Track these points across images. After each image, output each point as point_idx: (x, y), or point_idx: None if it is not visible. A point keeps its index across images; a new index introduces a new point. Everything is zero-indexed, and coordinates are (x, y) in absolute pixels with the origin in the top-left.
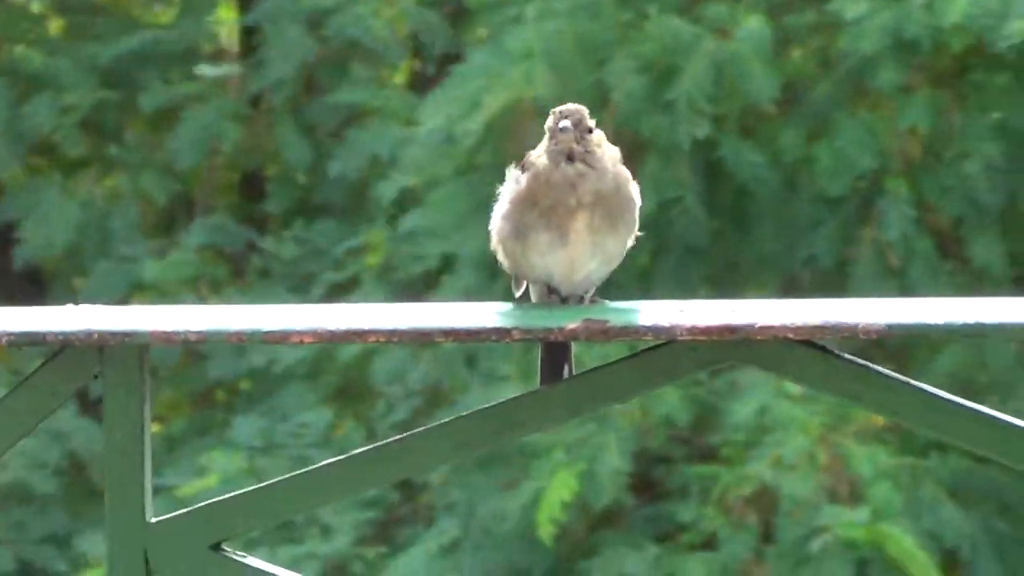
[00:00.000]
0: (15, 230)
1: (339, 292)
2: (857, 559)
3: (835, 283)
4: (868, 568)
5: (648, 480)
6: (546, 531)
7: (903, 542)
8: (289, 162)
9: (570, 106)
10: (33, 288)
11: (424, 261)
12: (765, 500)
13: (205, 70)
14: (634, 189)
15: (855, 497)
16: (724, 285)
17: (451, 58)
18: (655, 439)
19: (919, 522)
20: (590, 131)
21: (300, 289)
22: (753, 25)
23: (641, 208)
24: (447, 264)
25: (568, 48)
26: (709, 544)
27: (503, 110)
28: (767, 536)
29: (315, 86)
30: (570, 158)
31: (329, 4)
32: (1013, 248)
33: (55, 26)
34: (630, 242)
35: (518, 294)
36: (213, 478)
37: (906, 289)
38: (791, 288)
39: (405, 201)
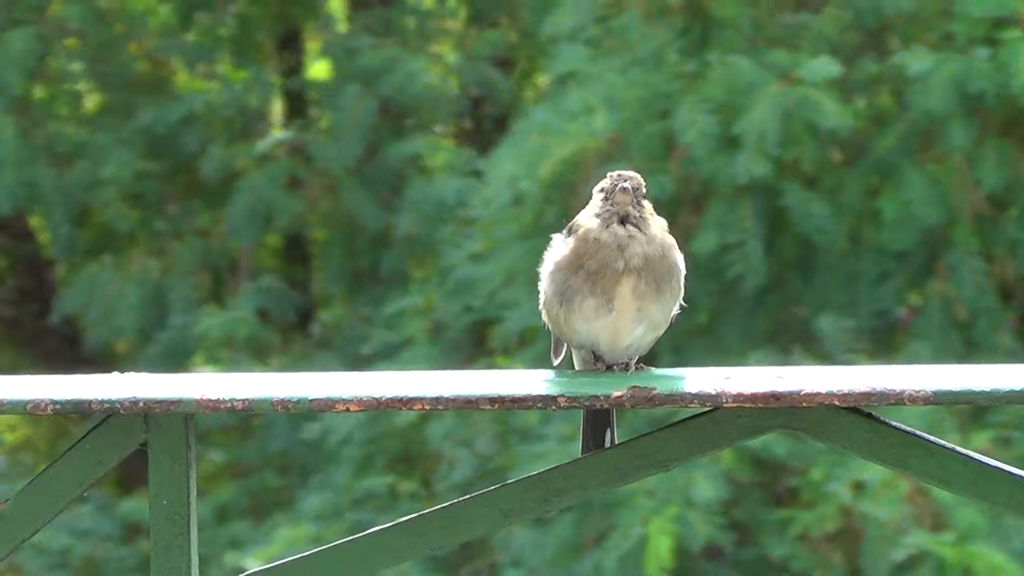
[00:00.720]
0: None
1: (390, 353)
2: None
3: (895, 338)
4: None
5: (736, 521)
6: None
7: (994, 558)
8: (362, 223)
9: (628, 171)
10: (79, 353)
11: (475, 318)
12: (849, 534)
13: (260, 146)
14: (679, 257)
15: (939, 525)
16: (784, 335)
17: (507, 112)
18: (742, 472)
19: (1008, 544)
20: (645, 197)
21: (350, 354)
22: (820, 63)
23: (702, 252)
24: (523, 333)
25: (631, 99)
26: None
27: (566, 164)
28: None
29: (372, 147)
30: (623, 220)
31: (381, 61)
32: None
33: (93, 101)
34: (675, 310)
35: (556, 360)
36: (276, 547)
37: (971, 343)
38: (853, 341)
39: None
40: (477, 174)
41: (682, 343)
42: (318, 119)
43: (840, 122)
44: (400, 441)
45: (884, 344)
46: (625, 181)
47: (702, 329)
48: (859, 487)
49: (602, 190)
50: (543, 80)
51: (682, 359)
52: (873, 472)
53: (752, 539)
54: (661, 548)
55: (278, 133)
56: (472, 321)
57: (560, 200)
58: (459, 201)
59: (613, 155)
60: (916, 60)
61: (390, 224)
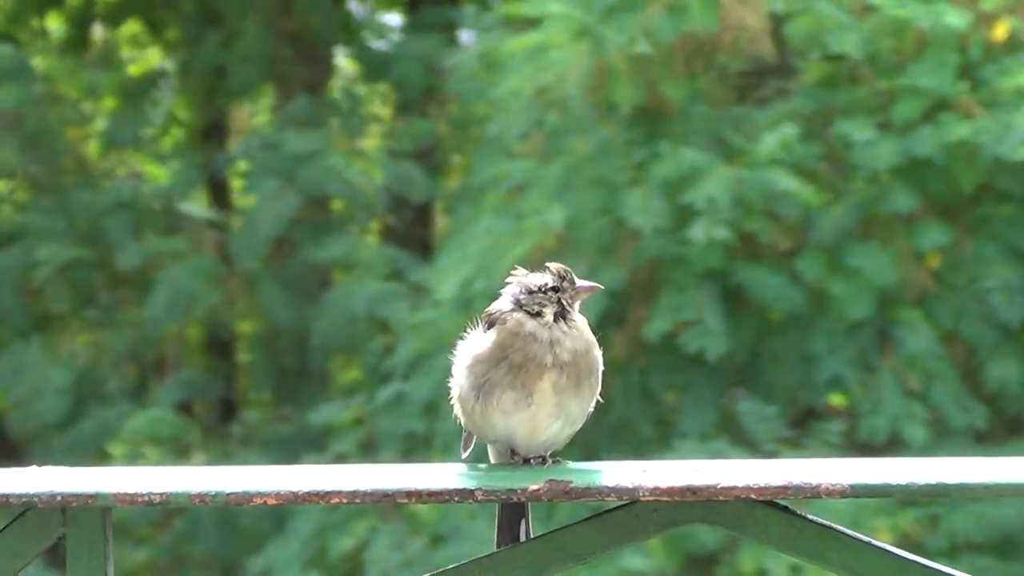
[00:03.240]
0: None
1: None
2: None
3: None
4: None
5: None
6: None
7: None
8: (275, 324)
9: (559, 264)
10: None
11: (407, 433)
12: None
13: (192, 209)
14: (599, 355)
15: None
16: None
17: (427, 210)
18: (672, 565)
19: None
20: (576, 292)
21: (274, 455)
22: (776, 134)
23: (656, 334)
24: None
25: (581, 193)
26: None
27: (522, 261)
28: None
29: (289, 243)
30: (562, 316)
31: (301, 152)
32: None
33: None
34: (591, 406)
35: (465, 454)
36: None
37: (932, 409)
38: (808, 415)
39: (390, 371)
40: (398, 276)
41: (630, 435)
42: (239, 209)
43: (798, 192)
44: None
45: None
46: (562, 278)
47: (653, 422)
48: (796, 570)
49: (550, 287)
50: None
51: (631, 452)
52: None
53: None
54: None
55: (200, 210)
56: (407, 439)
57: None
58: (378, 308)
59: (563, 250)
60: (860, 131)
61: (308, 326)
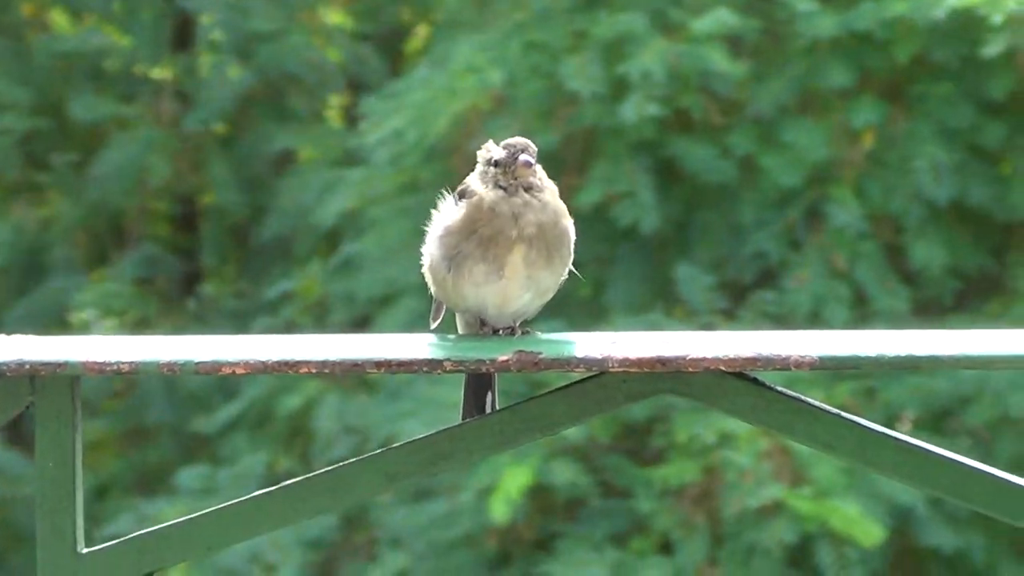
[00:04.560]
0: None
1: (281, 330)
2: (802, 532)
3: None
4: (814, 541)
5: (601, 479)
6: (500, 513)
7: (849, 512)
8: (223, 203)
9: (520, 139)
10: None
11: (360, 298)
12: (711, 491)
13: (151, 71)
14: (570, 224)
15: (797, 480)
16: (667, 276)
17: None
18: (604, 435)
19: (866, 499)
20: (537, 162)
21: (239, 327)
22: (713, 16)
23: (587, 204)
24: (389, 296)
25: (520, 55)
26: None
27: (456, 120)
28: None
29: (247, 120)
30: (524, 188)
31: (263, 30)
32: (954, 251)
33: None
34: (563, 276)
35: (434, 324)
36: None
37: (856, 292)
38: (736, 286)
39: (342, 234)
40: (350, 157)
41: (565, 306)
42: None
43: (728, 71)
44: (284, 426)
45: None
46: (523, 151)
47: (588, 292)
48: (722, 438)
49: (494, 161)
50: (424, 35)
51: (565, 325)
52: (736, 425)
53: (616, 494)
54: (509, 489)
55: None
56: (359, 306)
57: (441, 159)
58: (327, 194)
59: (500, 112)
60: (803, 3)
61: (256, 204)
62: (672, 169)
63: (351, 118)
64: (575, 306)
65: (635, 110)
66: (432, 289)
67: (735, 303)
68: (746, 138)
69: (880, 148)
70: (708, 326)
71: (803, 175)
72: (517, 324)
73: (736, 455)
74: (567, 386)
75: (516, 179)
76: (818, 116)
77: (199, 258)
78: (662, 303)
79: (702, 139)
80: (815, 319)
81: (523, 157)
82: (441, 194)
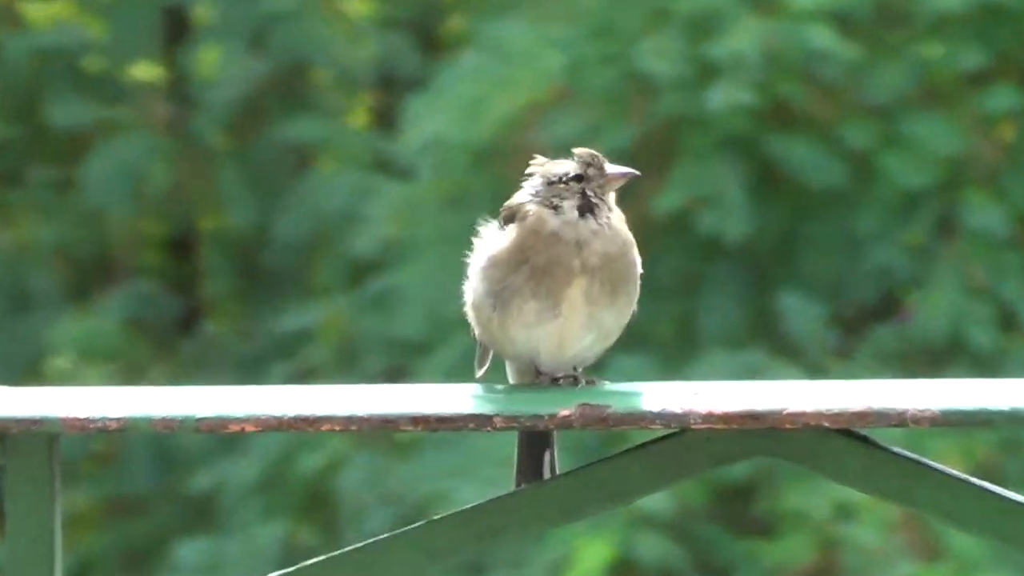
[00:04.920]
0: None
1: (295, 380)
2: None
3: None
4: None
5: (696, 553)
6: None
7: None
8: (232, 221)
9: (586, 149)
10: None
11: (397, 339)
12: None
13: (138, 71)
14: (637, 256)
15: (935, 552)
16: (766, 303)
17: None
18: (698, 499)
19: (1018, 571)
20: (606, 181)
21: (247, 375)
22: None
23: (666, 210)
24: (432, 337)
25: (586, 40)
26: None
27: (512, 118)
28: None
29: (260, 120)
30: (588, 210)
31: (278, 9)
32: None
33: None
34: (627, 318)
35: (480, 372)
36: None
37: (1002, 311)
38: (852, 312)
39: (374, 259)
40: (383, 166)
41: (644, 343)
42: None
43: (837, 51)
44: (303, 490)
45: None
46: (589, 164)
47: (672, 324)
48: (840, 509)
49: (573, 176)
50: (461, 20)
51: (646, 364)
52: (855, 493)
53: (715, 572)
54: (591, 559)
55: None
56: (395, 349)
57: (491, 165)
58: (359, 204)
59: (562, 106)
60: None
61: (269, 221)
62: (770, 171)
63: (381, 120)
64: (657, 343)
65: (724, 97)
66: (476, 331)
67: (851, 335)
68: (860, 133)
69: (1020, 140)
70: (816, 368)
71: (931, 175)
72: (580, 371)
73: (858, 530)
74: (642, 446)
75: (602, 190)
76: (946, 105)
77: (200, 291)
78: (762, 339)
79: (806, 135)
80: (952, 347)
81: (616, 167)
82: (483, 217)
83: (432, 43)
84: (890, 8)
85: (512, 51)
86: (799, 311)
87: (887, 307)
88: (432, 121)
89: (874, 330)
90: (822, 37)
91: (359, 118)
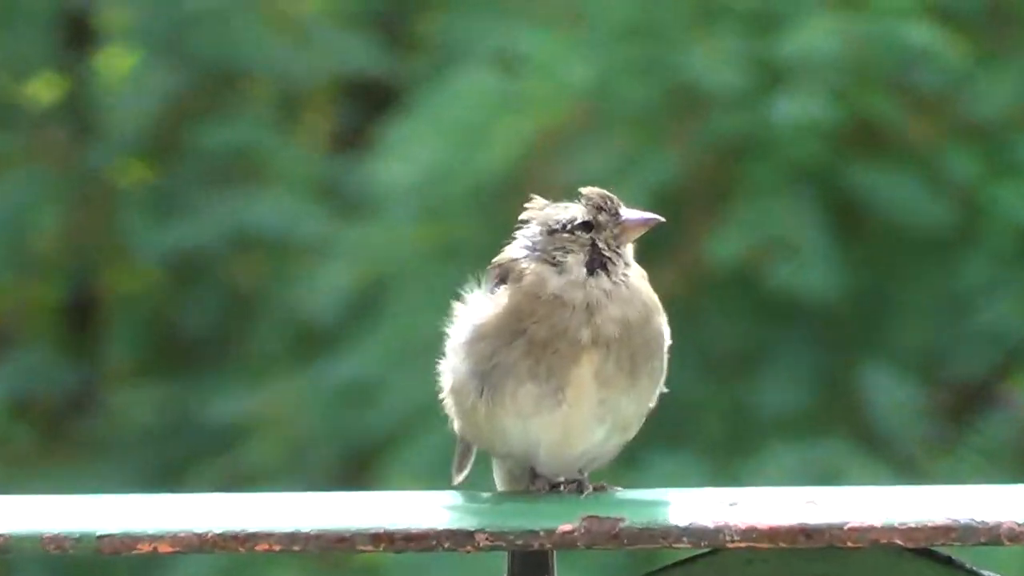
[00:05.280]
0: None
1: (224, 487)
2: None
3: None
4: None
5: None
6: None
7: None
8: (143, 260)
9: (597, 190)
10: None
11: (365, 431)
12: None
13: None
14: (664, 322)
15: None
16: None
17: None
18: None
19: None
20: (621, 230)
21: (159, 476)
22: None
23: (729, 259)
24: (406, 429)
25: (618, 45)
26: None
27: (521, 148)
28: None
29: (177, 142)
30: (600, 266)
31: (201, 8)
32: None
33: None
34: (652, 403)
35: (459, 477)
36: None
37: None
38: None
39: (333, 326)
40: (337, 194)
41: (688, 428)
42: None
43: (943, 52)
44: None
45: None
46: (615, 204)
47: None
48: None
49: (580, 223)
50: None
51: (690, 459)
52: None
53: None
54: None
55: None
56: (358, 439)
57: (493, 209)
58: (293, 231)
59: (588, 130)
60: None
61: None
62: (852, 209)
63: (341, 143)
64: (705, 435)
65: (794, 110)
66: (456, 423)
67: (954, 422)
68: (967, 160)
69: None
70: (907, 467)
71: None
72: (586, 475)
73: None
74: (662, 570)
75: (618, 241)
76: None
77: (102, 365)
78: (840, 428)
79: (898, 163)
80: None
81: (635, 212)
82: (472, 279)
83: (406, 44)
84: (1000, 5)
85: (522, 60)
86: (886, 390)
87: (999, 384)
88: (416, 147)
89: (983, 415)
90: (921, 35)
91: (311, 138)
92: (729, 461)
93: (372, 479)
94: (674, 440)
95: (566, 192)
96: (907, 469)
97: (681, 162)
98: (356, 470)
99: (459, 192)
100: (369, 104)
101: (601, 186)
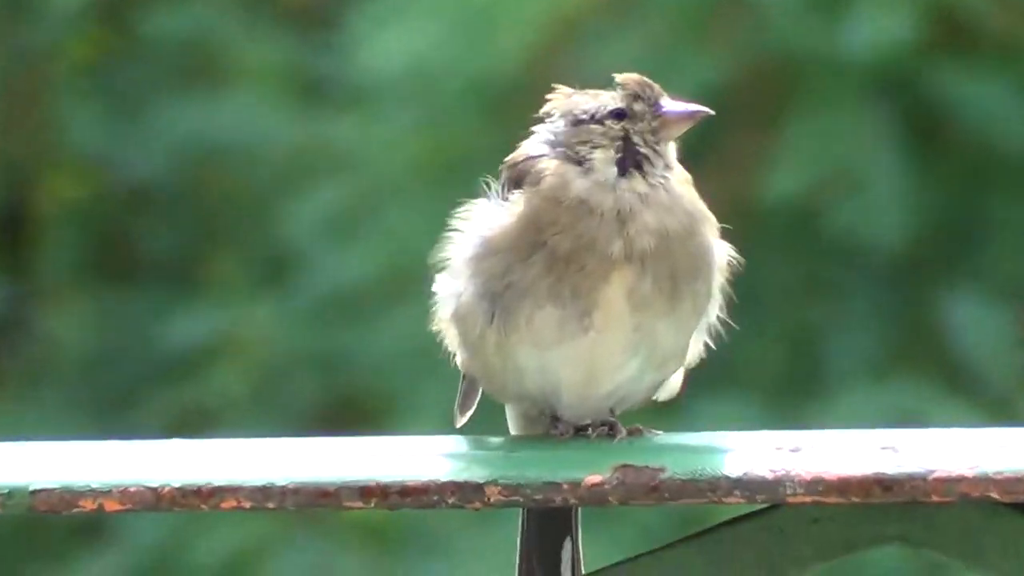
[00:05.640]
0: None
1: (180, 426)
2: None
3: None
4: None
5: None
6: None
7: None
8: (82, 170)
9: (634, 75)
10: None
11: (349, 365)
12: None
13: None
14: (714, 234)
15: None
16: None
17: None
18: None
19: None
20: (661, 123)
21: (104, 411)
22: None
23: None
24: (404, 362)
25: None
26: None
27: (532, 36)
28: None
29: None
30: (634, 165)
31: None
32: None
33: None
34: (699, 336)
35: (462, 419)
36: None
37: None
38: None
39: (311, 239)
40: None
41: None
42: None
43: None
44: None
45: None
46: (636, 97)
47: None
48: None
49: (614, 111)
50: None
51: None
52: None
53: None
54: None
55: None
56: (342, 370)
57: (502, 112)
58: (265, 138)
59: (610, 21)
60: None
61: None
62: (934, 124)
63: (311, 18)
64: (762, 379)
65: (870, 31)
66: (459, 357)
67: None
68: None
69: None
70: (1001, 407)
71: None
72: (616, 415)
73: None
74: (710, 530)
75: (657, 136)
76: None
77: (36, 280)
78: (920, 366)
79: (988, 65)
80: None
81: (678, 103)
82: (484, 185)
83: None
84: None
85: None
86: (976, 323)
87: None
88: (404, 34)
89: None
90: None
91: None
92: (790, 404)
93: (359, 420)
94: (720, 385)
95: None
96: (1002, 410)
97: (727, 67)
98: (340, 408)
99: (452, 88)
100: None
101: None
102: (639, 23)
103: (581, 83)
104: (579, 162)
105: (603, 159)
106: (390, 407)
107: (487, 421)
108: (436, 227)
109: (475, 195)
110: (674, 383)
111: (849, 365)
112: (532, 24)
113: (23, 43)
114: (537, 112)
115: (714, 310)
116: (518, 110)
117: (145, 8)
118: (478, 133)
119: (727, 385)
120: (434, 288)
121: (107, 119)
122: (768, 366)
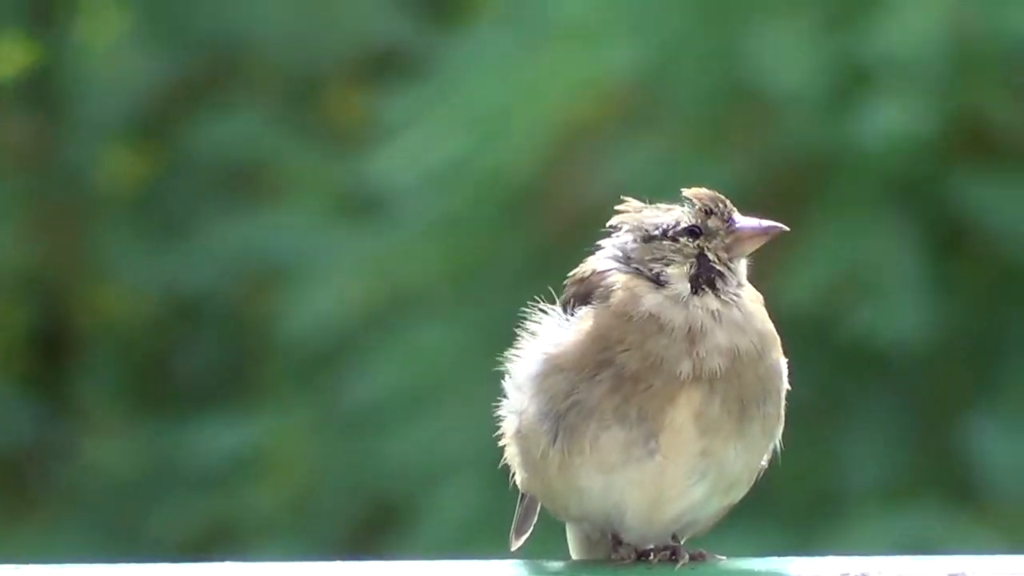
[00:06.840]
0: None
1: (209, 544)
2: None
3: None
4: None
5: None
6: None
7: None
8: (124, 291)
9: (705, 191)
10: None
11: (378, 477)
12: None
13: None
14: (782, 360)
15: None
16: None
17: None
18: None
19: None
20: (735, 240)
21: (134, 533)
22: None
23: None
24: (432, 477)
25: (679, 18)
26: None
27: (563, 132)
28: None
29: (170, 135)
30: (708, 283)
31: None
32: None
33: None
34: (764, 456)
35: (518, 542)
36: None
37: None
38: None
39: (341, 351)
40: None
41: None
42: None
43: None
44: None
45: None
46: (727, 209)
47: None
48: None
49: (688, 228)
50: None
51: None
52: None
53: None
54: None
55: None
56: (373, 492)
57: (522, 215)
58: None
59: (633, 122)
60: None
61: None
62: (954, 230)
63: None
64: (778, 501)
65: (886, 123)
66: (519, 476)
67: None
68: None
69: None
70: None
71: None
72: (682, 542)
73: None
74: None
75: (731, 252)
76: None
77: (73, 405)
78: (939, 492)
79: (1010, 173)
80: None
81: (752, 220)
82: (536, 302)
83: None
84: None
85: (555, 29)
86: (997, 448)
87: None
88: (423, 138)
89: None
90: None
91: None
92: (802, 532)
93: (400, 536)
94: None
95: (599, 201)
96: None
97: (744, 170)
98: (376, 524)
99: (473, 194)
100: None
101: (646, 195)
102: (656, 126)
103: (598, 193)
104: (652, 279)
105: (677, 275)
106: (421, 520)
107: (545, 543)
108: (457, 334)
109: (501, 305)
110: None
111: (866, 487)
112: (548, 128)
113: (63, 156)
114: (547, 220)
115: (779, 432)
116: (535, 215)
117: (186, 121)
118: (494, 239)
119: (740, 508)
120: (499, 409)
121: (150, 236)
122: (785, 490)
